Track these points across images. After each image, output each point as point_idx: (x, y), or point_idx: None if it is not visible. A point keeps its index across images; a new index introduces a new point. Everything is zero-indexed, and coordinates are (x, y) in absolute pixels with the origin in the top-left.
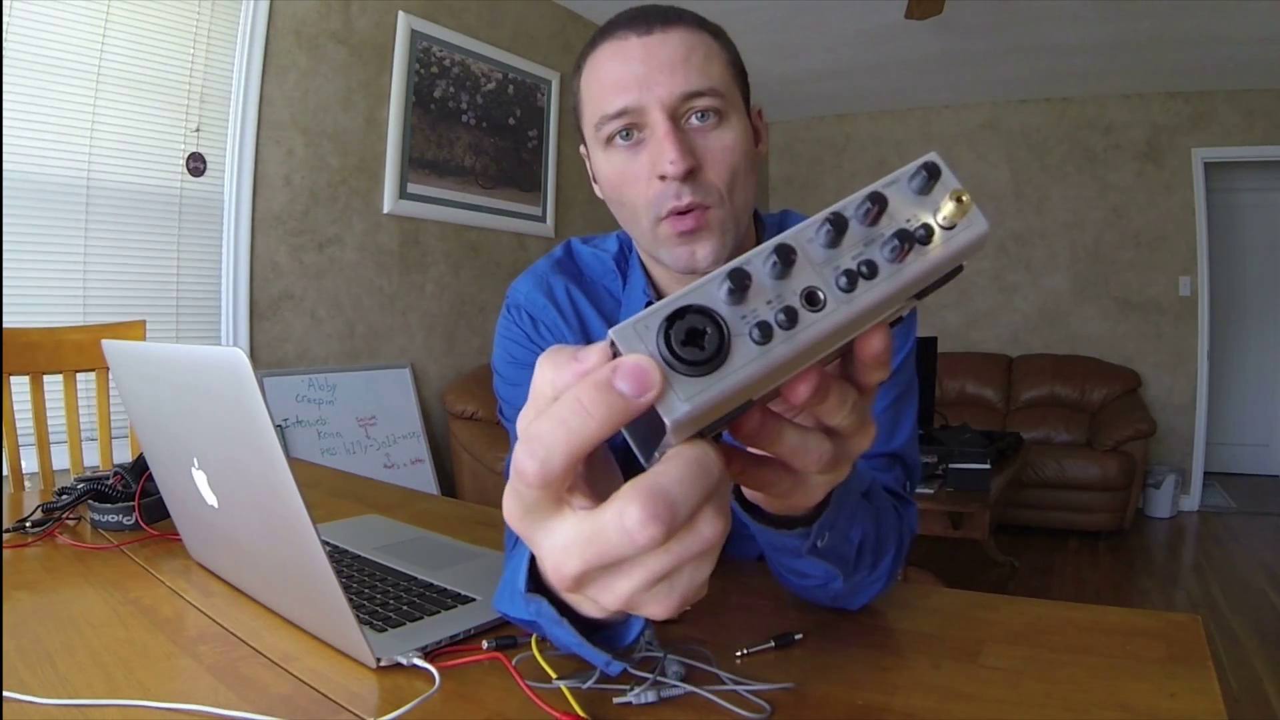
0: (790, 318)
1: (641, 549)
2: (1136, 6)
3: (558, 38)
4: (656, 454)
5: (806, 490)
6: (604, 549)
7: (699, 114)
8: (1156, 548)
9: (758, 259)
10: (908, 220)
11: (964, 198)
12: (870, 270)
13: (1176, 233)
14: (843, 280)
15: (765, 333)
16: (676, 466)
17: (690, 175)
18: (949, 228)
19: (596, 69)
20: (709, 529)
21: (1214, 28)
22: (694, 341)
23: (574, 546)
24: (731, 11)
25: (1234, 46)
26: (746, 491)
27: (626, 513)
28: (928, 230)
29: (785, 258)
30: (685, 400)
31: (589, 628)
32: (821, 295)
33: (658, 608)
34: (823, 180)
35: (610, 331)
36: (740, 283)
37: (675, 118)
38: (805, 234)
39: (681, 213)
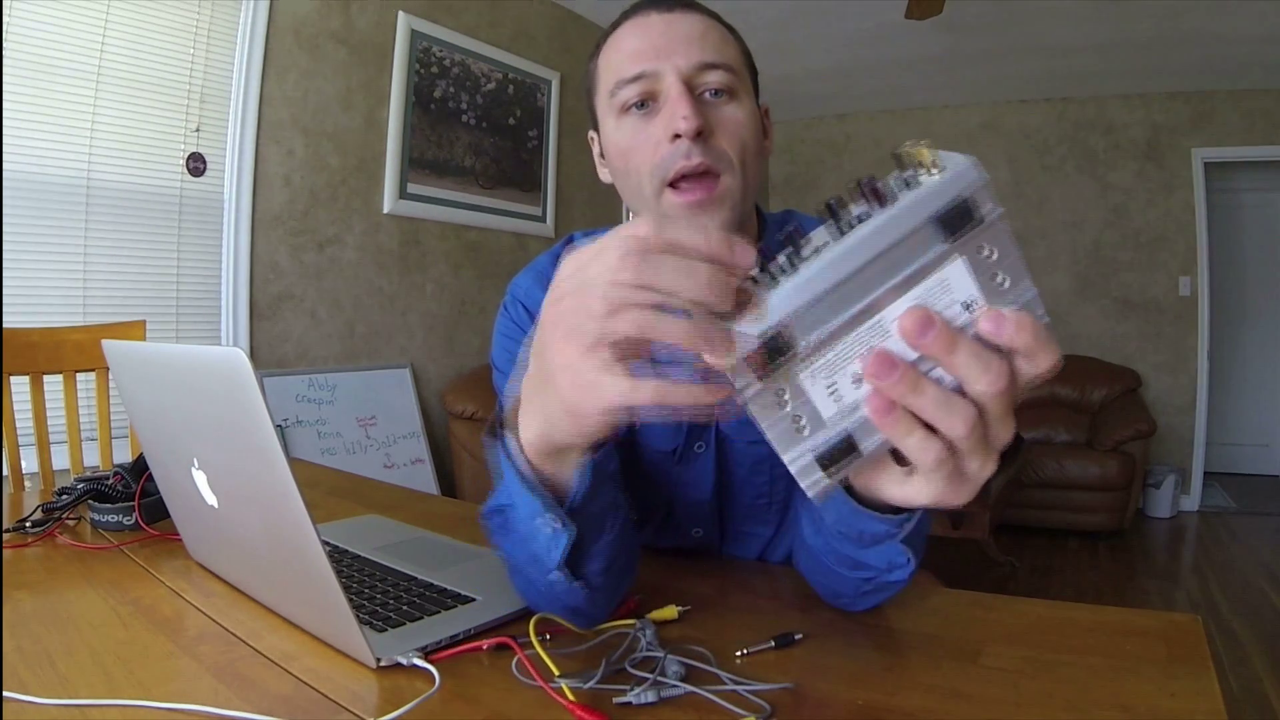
0: (794, 263)
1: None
2: (1136, 6)
3: (558, 38)
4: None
5: (963, 481)
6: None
7: (713, 90)
8: (1156, 548)
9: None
10: (893, 181)
11: (930, 144)
12: (865, 216)
13: (1176, 233)
14: (836, 233)
15: (774, 278)
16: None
17: (700, 137)
18: (932, 174)
19: (617, 42)
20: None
21: (1214, 28)
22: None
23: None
24: (731, 11)
25: (1234, 46)
26: (904, 490)
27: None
28: (913, 180)
29: (798, 234)
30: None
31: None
32: (826, 244)
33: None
34: (823, 180)
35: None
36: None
37: (689, 85)
38: (817, 229)
39: (690, 177)
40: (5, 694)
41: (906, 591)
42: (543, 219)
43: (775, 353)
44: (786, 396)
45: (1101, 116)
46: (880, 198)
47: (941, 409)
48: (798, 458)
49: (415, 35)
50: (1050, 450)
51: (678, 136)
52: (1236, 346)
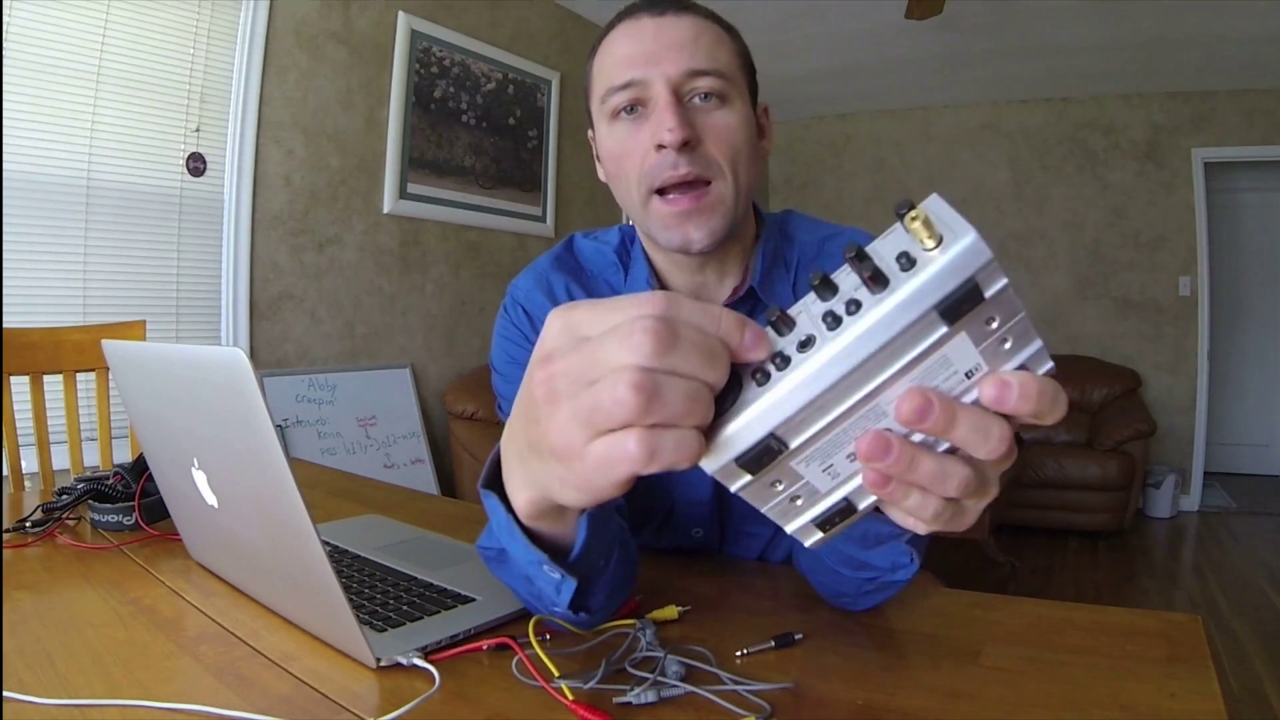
0: (785, 361)
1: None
2: (1136, 6)
3: (558, 38)
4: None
5: (963, 515)
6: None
7: (702, 95)
8: (1156, 548)
9: (768, 327)
10: (888, 255)
11: (928, 216)
12: (858, 304)
13: (1176, 233)
14: (829, 320)
15: (765, 375)
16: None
17: (688, 146)
18: (931, 249)
19: (610, 46)
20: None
21: (1214, 28)
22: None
23: None
24: (731, 11)
25: (1234, 46)
26: (897, 517)
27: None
28: (909, 258)
29: (784, 319)
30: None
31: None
32: (814, 337)
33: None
34: (823, 180)
35: None
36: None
37: (678, 93)
38: (804, 300)
39: (679, 187)
40: (5, 694)
41: (906, 591)
42: (543, 219)
43: (768, 456)
44: (781, 484)
45: (1101, 116)
46: (875, 280)
47: (937, 479)
48: (797, 527)
49: (415, 35)
50: (1050, 450)
51: (662, 147)
52: (1236, 347)
